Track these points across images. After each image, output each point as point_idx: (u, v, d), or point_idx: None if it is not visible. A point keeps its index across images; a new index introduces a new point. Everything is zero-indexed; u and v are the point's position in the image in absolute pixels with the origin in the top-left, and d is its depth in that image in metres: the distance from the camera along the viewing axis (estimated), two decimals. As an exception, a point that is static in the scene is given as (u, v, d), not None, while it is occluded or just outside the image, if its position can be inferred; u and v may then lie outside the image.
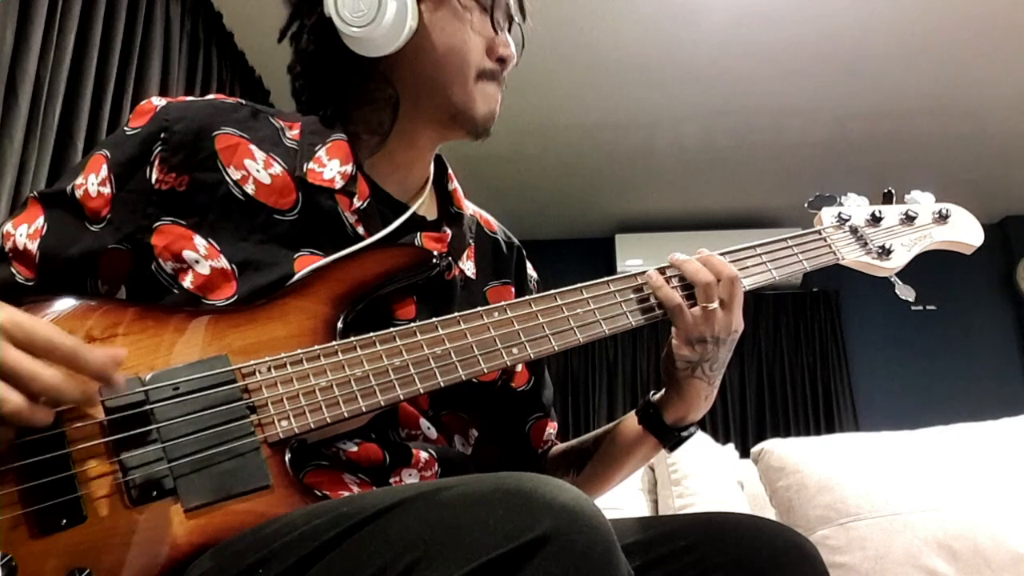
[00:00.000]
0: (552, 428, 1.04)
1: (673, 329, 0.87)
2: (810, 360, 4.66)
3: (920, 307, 4.68)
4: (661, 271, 0.88)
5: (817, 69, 3.33)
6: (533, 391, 1.02)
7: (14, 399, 0.57)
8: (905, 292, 0.99)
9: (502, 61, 0.90)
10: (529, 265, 1.06)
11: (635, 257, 4.59)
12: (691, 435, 0.91)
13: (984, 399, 3.99)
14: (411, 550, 0.52)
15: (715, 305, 0.85)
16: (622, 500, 1.76)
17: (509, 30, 0.92)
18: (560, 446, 1.03)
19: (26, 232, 0.79)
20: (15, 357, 0.58)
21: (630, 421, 0.94)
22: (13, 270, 0.79)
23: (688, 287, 0.87)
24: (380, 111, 0.90)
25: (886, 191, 1.05)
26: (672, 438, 0.91)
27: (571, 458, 0.99)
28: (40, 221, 0.80)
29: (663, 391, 0.91)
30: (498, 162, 4.00)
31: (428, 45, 0.86)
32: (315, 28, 0.88)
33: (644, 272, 0.88)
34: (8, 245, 0.79)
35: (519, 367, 0.99)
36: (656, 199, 4.54)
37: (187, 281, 0.78)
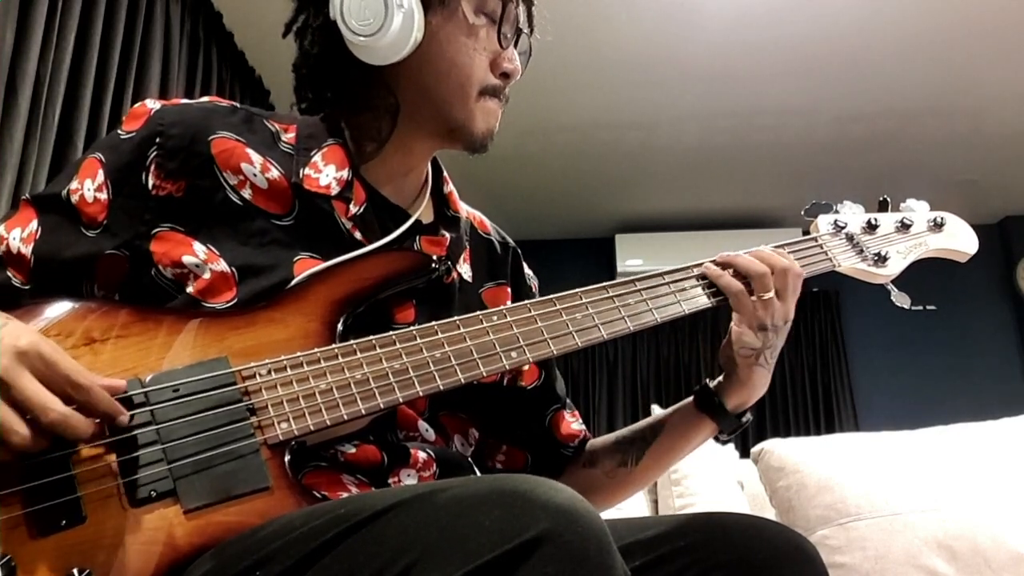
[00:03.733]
0: (575, 419, 1.04)
1: (735, 317, 0.90)
2: (810, 360, 4.66)
3: (920, 307, 4.67)
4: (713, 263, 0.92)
5: (817, 69, 3.33)
6: (546, 385, 1.02)
7: (23, 432, 0.59)
8: (900, 299, 1.01)
9: (506, 76, 0.89)
10: (526, 266, 1.06)
11: (635, 257, 4.58)
12: (749, 422, 0.94)
13: (984, 399, 3.98)
14: (408, 552, 0.53)
15: (771, 294, 0.88)
16: (622, 500, 1.76)
17: (516, 43, 0.91)
18: (605, 438, 1.03)
19: (19, 236, 0.79)
20: (33, 389, 0.60)
21: (684, 409, 0.96)
22: (8, 274, 0.79)
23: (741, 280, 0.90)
24: (380, 118, 0.89)
25: (881, 199, 1.06)
26: (733, 423, 0.93)
27: (625, 447, 0.99)
28: (34, 225, 0.80)
29: (721, 378, 0.93)
30: (498, 162, 4.00)
31: (432, 58, 0.85)
32: (320, 30, 0.87)
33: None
34: (1, 249, 0.79)
35: (526, 366, 0.99)
36: (656, 199, 4.54)
37: (190, 286, 0.77)
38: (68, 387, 0.61)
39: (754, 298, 0.88)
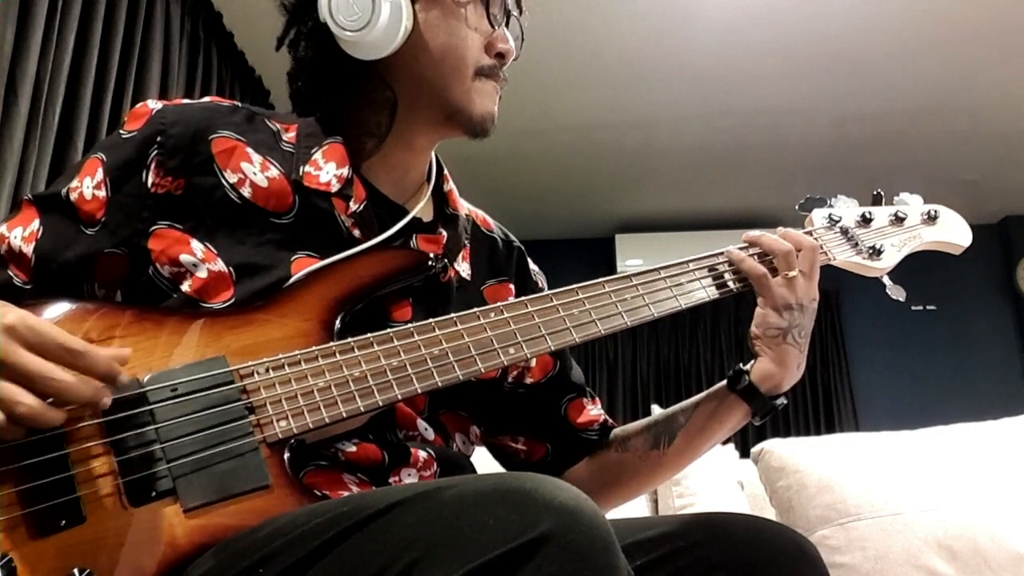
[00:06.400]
0: (594, 405, 1.03)
1: (759, 299, 0.91)
2: (810, 360, 4.61)
3: (920, 307, 4.68)
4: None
5: (817, 69, 3.34)
6: (560, 374, 1.01)
7: (28, 401, 0.58)
8: (896, 292, 1.01)
9: (501, 57, 0.89)
10: (531, 262, 1.05)
11: (635, 257, 4.59)
12: (782, 405, 0.93)
13: (984, 399, 3.99)
14: (410, 550, 0.52)
15: (795, 273, 0.90)
16: (622, 500, 1.76)
17: (507, 25, 0.91)
18: (638, 422, 1.02)
19: (21, 235, 0.79)
20: (28, 359, 0.59)
21: (717, 392, 0.96)
22: (9, 273, 0.79)
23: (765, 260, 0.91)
24: (378, 113, 0.89)
25: (875, 192, 1.06)
26: (767, 406, 0.92)
27: (658, 430, 0.99)
28: (35, 224, 0.80)
29: (754, 361, 0.93)
30: (498, 162, 4.00)
31: (424, 45, 0.86)
32: (311, 34, 0.88)
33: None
34: (3, 248, 0.79)
35: (534, 361, 0.99)
36: (656, 199, 4.55)
37: (185, 285, 0.77)
38: (64, 353, 0.61)
39: (778, 278, 0.90)
